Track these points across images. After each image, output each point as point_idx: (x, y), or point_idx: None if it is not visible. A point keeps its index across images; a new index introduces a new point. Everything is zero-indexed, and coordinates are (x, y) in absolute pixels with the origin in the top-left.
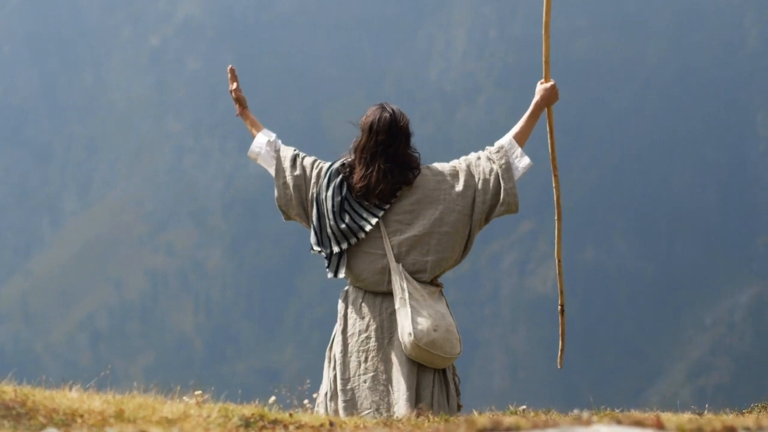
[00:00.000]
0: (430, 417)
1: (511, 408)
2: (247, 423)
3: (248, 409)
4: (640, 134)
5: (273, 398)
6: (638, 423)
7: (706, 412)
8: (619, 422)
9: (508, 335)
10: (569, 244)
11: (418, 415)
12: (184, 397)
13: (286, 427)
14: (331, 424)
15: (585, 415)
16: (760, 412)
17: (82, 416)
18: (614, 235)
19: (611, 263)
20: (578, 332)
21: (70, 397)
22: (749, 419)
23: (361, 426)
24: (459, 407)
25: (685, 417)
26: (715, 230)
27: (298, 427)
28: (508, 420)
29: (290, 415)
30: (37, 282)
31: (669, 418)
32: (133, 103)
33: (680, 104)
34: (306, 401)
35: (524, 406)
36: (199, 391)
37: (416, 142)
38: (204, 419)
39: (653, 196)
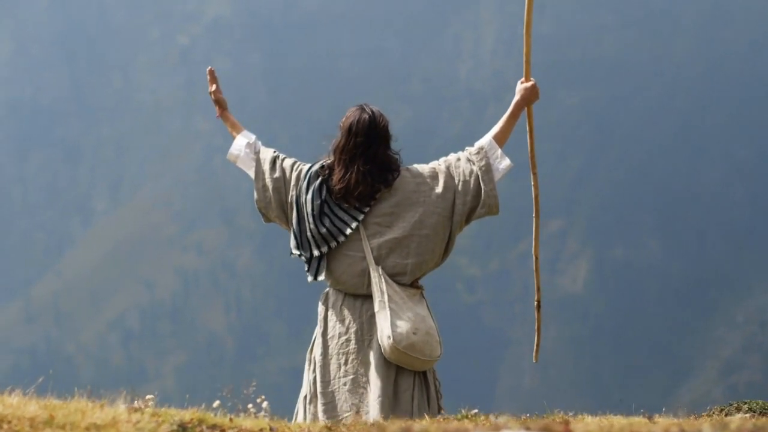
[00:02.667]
0: (379, 423)
1: (462, 411)
2: (183, 428)
3: (189, 414)
4: (668, 131)
5: (218, 402)
6: (546, 428)
7: (658, 416)
8: (527, 428)
9: None
10: (599, 242)
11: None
12: (137, 402)
13: (224, 431)
14: (271, 429)
15: (502, 419)
16: (716, 414)
17: (9, 422)
18: (643, 233)
19: (640, 261)
20: (608, 331)
21: (6, 403)
22: (668, 424)
23: (306, 430)
24: (440, 410)
25: (606, 421)
26: (744, 227)
27: None
28: (417, 426)
29: (230, 419)
30: (68, 282)
31: (579, 423)
32: (162, 102)
33: (708, 101)
34: (250, 405)
35: (476, 410)
36: (150, 396)
37: (445, 141)
38: (134, 425)
39: (682, 193)
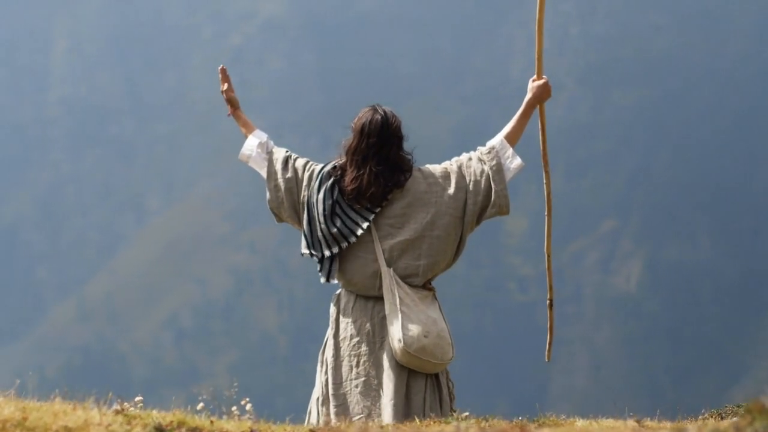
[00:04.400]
0: (339, 424)
1: (453, 414)
2: (161, 430)
3: (170, 416)
4: (723, 131)
5: (201, 404)
6: (502, 431)
7: (649, 420)
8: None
9: (591, 334)
10: (652, 242)
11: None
12: (125, 404)
13: None
14: (252, 431)
15: (463, 425)
16: (709, 418)
17: None
18: (697, 233)
19: (694, 261)
20: (662, 331)
21: None
22: (633, 427)
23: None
24: (453, 412)
25: (596, 425)
26: None
27: None
28: (374, 428)
29: (211, 422)
30: (121, 281)
31: (563, 427)
32: (215, 101)
33: (763, 100)
34: (234, 408)
35: (467, 413)
36: (140, 397)
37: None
38: (105, 427)
39: (736, 193)
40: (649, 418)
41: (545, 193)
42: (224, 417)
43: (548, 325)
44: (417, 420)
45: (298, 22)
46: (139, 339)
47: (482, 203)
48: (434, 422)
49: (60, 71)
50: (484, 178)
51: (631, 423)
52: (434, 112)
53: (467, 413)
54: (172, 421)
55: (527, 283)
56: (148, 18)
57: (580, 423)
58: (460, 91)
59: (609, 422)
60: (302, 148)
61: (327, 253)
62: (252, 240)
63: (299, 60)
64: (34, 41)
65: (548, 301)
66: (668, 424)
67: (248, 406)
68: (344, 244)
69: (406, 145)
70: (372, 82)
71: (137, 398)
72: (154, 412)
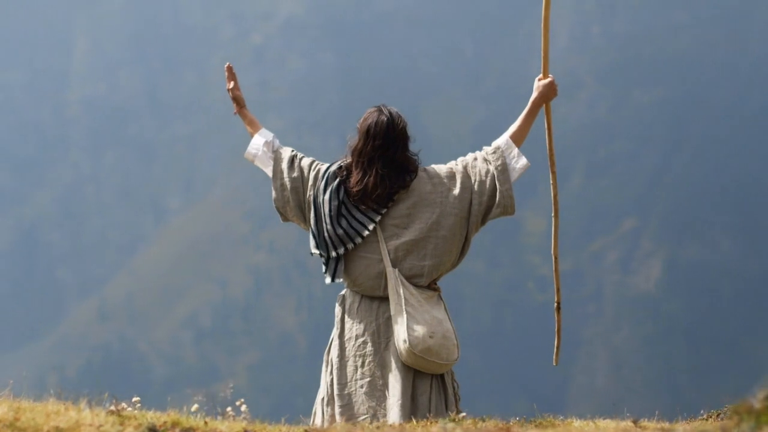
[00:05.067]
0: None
1: (450, 415)
2: (153, 431)
3: (165, 417)
4: (744, 130)
5: (196, 406)
6: None
7: (646, 421)
8: None
9: (611, 333)
10: (673, 242)
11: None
12: (123, 404)
13: None
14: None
15: (450, 426)
16: (708, 419)
17: None
18: (718, 232)
19: (714, 261)
20: (682, 331)
21: None
22: (621, 427)
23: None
24: (458, 412)
25: (593, 425)
26: None
27: None
28: (370, 428)
29: (205, 422)
30: (141, 280)
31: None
32: None
33: None
34: (229, 408)
35: (464, 413)
36: (137, 398)
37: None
38: (96, 428)
39: (756, 192)
40: (647, 419)
41: (552, 195)
42: (219, 417)
43: (556, 329)
44: (414, 420)
45: (318, 21)
46: (159, 338)
47: (487, 203)
48: (430, 422)
49: (80, 71)
50: (489, 178)
51: (626, 423)
52: (454, 112)
53: (464, 414)
54: (165, 422)
55: (546, 282)
56: (167, 18)
57: (577, 423)
58: (480, 91)
59: (606, 422)
60: (321, 148)
61: (333, 254)
62: (271, 239)
63: (319, 60)
64: (54, 42)
65: (555, 304)
66: (666, 425)
67: (243, 407)
68: (350, 245)
69: (413, 146)
70: (391, 82)
71: (134, 398)
72: (150, 412)
